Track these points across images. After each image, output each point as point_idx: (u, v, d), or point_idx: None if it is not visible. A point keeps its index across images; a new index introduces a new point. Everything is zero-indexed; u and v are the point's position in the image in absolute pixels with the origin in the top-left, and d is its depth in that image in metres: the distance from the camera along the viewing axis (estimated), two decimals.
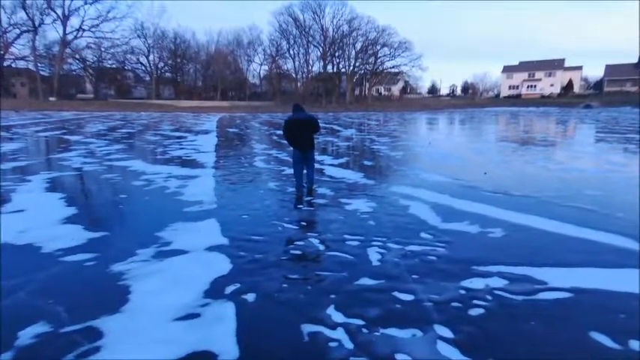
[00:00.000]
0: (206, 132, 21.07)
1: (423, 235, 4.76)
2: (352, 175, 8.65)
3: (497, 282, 3.53)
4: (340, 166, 10.03)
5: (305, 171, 7.29)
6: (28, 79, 59.76)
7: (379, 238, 4.62)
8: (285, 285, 3.50)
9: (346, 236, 4.71)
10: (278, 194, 6.96)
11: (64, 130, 21.30)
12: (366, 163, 10.96)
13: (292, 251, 4.30)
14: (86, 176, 8.76)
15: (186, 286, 3.45)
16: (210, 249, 4.34)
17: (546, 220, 5.36)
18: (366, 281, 3.57)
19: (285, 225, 5.18)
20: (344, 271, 3.76)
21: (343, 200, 6.42)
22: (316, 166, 9.73)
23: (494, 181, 7.86)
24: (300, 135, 7.01)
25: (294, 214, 5.77)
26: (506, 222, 5.28)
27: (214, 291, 3.37)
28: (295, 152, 7.15)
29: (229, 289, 3.40)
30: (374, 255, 4.16)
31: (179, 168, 9.60)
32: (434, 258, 4.08)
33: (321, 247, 4.39)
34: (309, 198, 6.66)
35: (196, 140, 16.58)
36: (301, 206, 6.19)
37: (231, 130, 23.31)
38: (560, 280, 3.56)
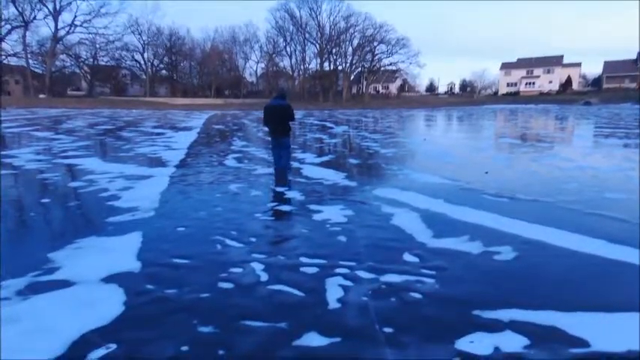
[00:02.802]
0: (189, 129, 19.78)
1: (406, 257, 3.54)
2: (332, 176, 7.39)
3: (511, 341, 2.30)
4: (322, 165, 8.78)
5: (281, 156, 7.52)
6: (22, 77, 58.16)
7: (347, 263, 3.39)
8: (184, 348, 2.26)
9: (303, 259, 3.49)
10: (236, 199, 5.71)
11: (38, 127, 19.99)
12: (352, 161, 9.71)
13: (220, 284, 3.06)
14: (19, 176, 7.48)
15: (30, 352, 2.22)
16: (109, 279, 3.11)
17: (568, 233, 4.15)
18: (312, 340, 2.34)
19: (228, 242, 3.95)
20: (283, 321, 2.53)
21: (313, 207, 5.19)
22: (294, 165, 8.58)
23: (497, 183, 6.63)
24: (274, 121, 7.29)
25: (245, 226, 4.51)
26: (517, 237, 4.07)
27: None
28: (271, 137, 7.52)
29: (93, 357, 2.17)
30: (334, 290, 2.93)
31: (135, 167, 8.34)
32: (419, 296, 2.85)
33: (264, 277, 3.15)
34: (281, 189, 6.36)
35: (174, 137, 15.31)
36: (258, 215, 4.94)
37: (216, 126, 22.01)
38: (609, 337, 2.34)
